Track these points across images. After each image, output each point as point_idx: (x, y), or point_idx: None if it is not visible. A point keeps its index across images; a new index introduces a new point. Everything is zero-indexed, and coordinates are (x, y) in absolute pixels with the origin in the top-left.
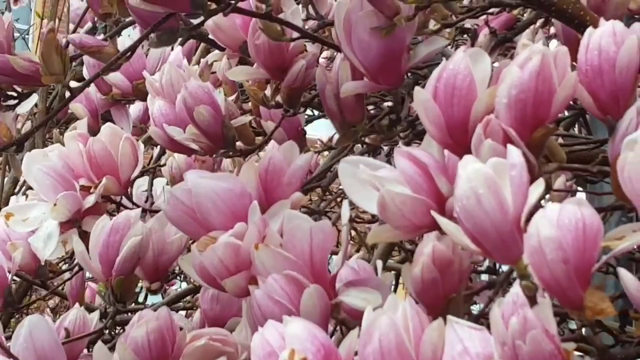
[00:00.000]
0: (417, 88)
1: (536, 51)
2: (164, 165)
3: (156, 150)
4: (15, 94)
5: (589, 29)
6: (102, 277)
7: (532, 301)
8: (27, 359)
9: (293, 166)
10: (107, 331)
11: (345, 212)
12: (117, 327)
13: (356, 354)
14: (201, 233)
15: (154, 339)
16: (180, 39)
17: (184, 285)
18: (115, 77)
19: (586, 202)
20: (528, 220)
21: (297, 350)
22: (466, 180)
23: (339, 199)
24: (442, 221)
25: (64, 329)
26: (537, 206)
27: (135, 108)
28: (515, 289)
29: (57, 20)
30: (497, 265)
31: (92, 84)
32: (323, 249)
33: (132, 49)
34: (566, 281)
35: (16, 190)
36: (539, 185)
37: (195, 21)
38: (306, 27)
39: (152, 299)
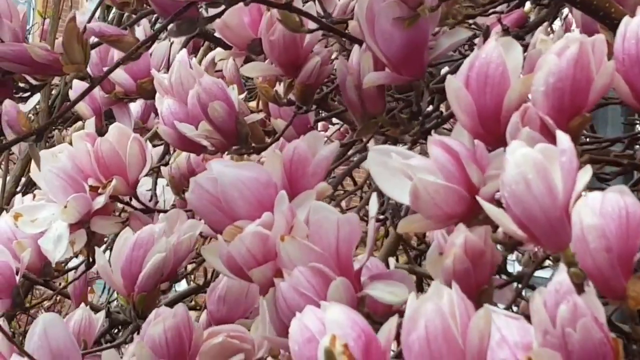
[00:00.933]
0: (449, 77)
1: (574, 39)
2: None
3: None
4: (27, 86)
5: (626, 18)
6: (123, 291)
7: (580, 289)
8: (42, 357)
9: (318, 156)
10: (127, 345)
11: (373, 206)
12: (119, 327)
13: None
14: (226, 222)
15: (171, 336)
16: (184, 38)
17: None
18: (119, 76)
19: (628, 191)
20: None
21: (338, 336)
22: (515, 165)
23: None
24: (488, 207)
25: (83, 341)
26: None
27: (135, 107)
28: (559, 277)
29: (58, 20)
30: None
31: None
32: (349, 241)
33: (153, 38)
34: (609, 270)
35: (18, 190)
36: (587, 171)
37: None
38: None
39: None
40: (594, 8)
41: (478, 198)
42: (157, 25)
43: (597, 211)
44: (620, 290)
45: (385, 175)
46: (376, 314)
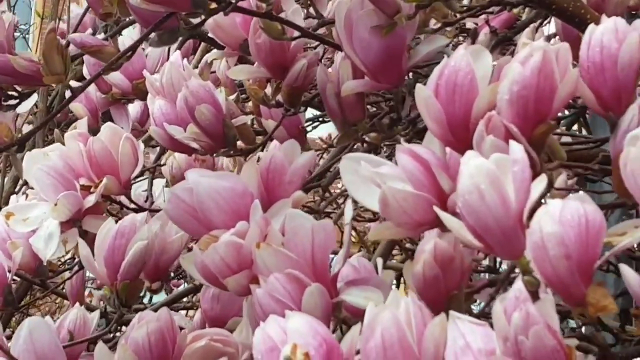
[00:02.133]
0: (418, 85)
1: (538, 48)
2: (164, 164)
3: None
4: (15, 94)
5: (591, 26)
6: (107, 280)
7: (535, 297)
8: None
9: (294, 165)
10: (111, 335)
11: (349, 211)
12: (119, 327)
13: (358, 350)
14: (202, 232)
15: (154, 339)
16: (179, 39)
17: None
18: (115, 77)
19: (589, 199)
20: (530, 216)
21: (299, 345)
22: (468, 176)
23: (339, 199)
24: (445, 217)
25: (68, 332)
26: (539, 204)
27: (133, 109)
28: (518, 285)
29: (57, 20)
30: (497, 264)
31: (92, 83)
32: (324, 247)
33: (133, 48)
34: (568, 277)
35: (16, 190)
36: (542, 181)
37: (195, 20)
38: (306, 26)
39: (155, 298)
40: (569, 14)
41: (435, 208)
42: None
43: (556, 219)
44: (579, 297)
45: (356, 183)
46: (357, 319)
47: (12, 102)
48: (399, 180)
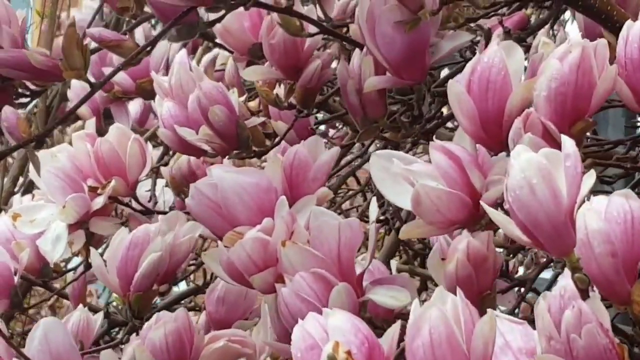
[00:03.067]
0: (451, 81)
1: (576, 44)
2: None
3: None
4: (27, 92)
5: (629, 22)
6: (119, 291)
7: (584, 294)
8: None
9: (319, 161)
10: (122, 346)
11: (373, 209)
12: (118, 327)
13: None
14: (226, 228)
15: (172, 340)
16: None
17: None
18: (118, 76)
19: (634, 195)
20: None
21: (341, 343)
22: (519, 170)
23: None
24: (492, 212)
25: (80, 342)
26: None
27: (134, 107)
28: (563, 282)
29: (57, 20)
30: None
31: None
32: (351, 246)
33: (153, 43)
34: (614, 275)
35: (16, 190)
36: (591, 176)
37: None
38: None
39: None
40: (595, 11)
41: (483, 204)
42: (157, 29)
43: (602, 216)
44: (624, 295)
45: (387, 180)
46: (376, 318)
47: (24, 100)
48: (431, 178)
